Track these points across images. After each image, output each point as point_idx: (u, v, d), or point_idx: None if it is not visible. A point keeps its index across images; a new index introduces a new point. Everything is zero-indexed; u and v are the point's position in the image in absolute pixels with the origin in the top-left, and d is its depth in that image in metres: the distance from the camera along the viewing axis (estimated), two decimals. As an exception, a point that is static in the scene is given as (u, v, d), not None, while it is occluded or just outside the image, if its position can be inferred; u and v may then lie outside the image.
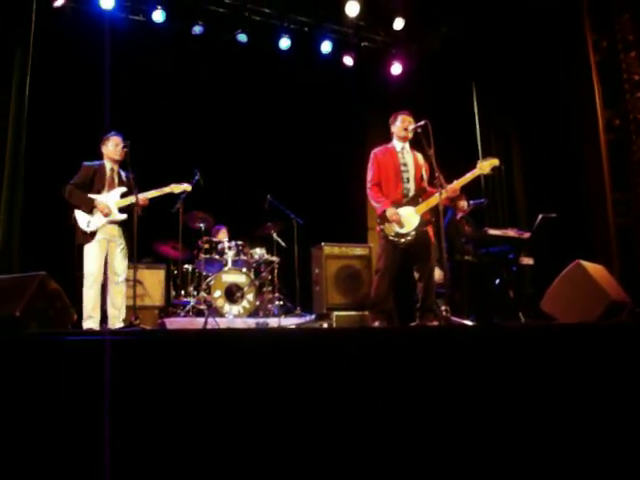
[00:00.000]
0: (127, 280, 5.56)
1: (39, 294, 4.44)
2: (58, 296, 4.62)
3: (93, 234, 5.38)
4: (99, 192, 5.50)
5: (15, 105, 6.55)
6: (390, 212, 5.17)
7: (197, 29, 8.41)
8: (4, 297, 4.48)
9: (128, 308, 5.46)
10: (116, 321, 5.37)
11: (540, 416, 3.03)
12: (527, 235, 6.70)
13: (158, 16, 8.12)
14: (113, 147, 5.62)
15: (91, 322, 5.24)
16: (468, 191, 6.80)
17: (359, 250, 7.35)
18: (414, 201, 5.26)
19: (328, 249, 7.16)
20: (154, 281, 7.22)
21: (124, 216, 5.53)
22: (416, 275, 5.36)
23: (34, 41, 6.79)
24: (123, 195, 5.57)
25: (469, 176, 5.27)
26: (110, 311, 5.42)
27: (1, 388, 2.49)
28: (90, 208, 5.41)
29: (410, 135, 5.36)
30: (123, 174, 5.72)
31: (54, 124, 7.54)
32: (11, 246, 6.39)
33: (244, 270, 7.44)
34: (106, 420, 2.45)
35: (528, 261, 6.94)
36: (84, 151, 5.72)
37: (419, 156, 5.46)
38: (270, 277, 7.80)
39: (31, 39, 6.73)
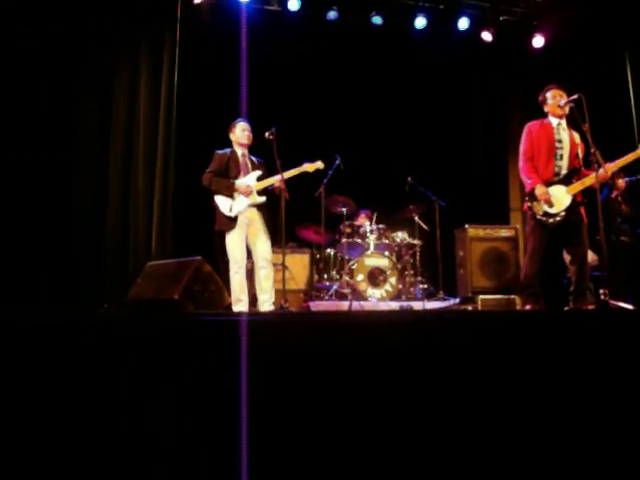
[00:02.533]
0: (274, 265, 5.67)
1: (195, 278, 4.69)
2: (213, 280, 4.86)
3: (235, 219, 5.49)
4: (236, 177, 5.61)
5: (165, 97, 6.93)
6: (540, 190, 4.94)
7: (332, 14, 8.44)
8: (165, 281, 4.77)
9: (277, 293, 5.58)
10: (267, 305, 5.45)
11: None
12: (691, 213, 6.19)
13: (293, 4, 8.22)
14: (240, 132, 5.74)
15: (241, 305, 5.37)
16: (623, 167, 6.36)
17: (505, 231, 7.12)
18: (566, 180, 5.00)
19: (472, 231, 7.00)
20: (299, 265, 7.35)
21: (263, 199, 5.63)
22: (568, 258, 5.11)
23: (180, 35, 7.12)
24: (259, 178, 5.67)
25: (629, 157, 4.94)
26: (260, 297, 5.50)
27: (162, 363, 2.64)
28: (231, 192, 5.53)
29: (566, 110, 5.07)
30: (255, 159, 5.82)
31: (200, 114, 7.86)
32: (165, 233, 6.77)
33: (386, 254, 7.41)
34: (244, 397, 2.54)
35: (690, 241, 6.41)
36: (226, 139, 5.91)
37: (576, 135, 5.17)
38: (412, 260, 7.73)
39: (177, 34, 7.06)
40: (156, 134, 6.90)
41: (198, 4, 7.89)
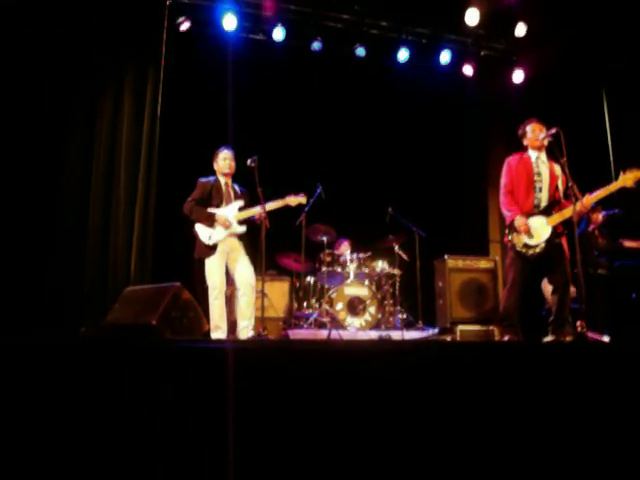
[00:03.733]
0: (255, 291, 5.65)
1: (174, 304, 4.65)
2: (191, 306, 4.81)
3: (214, 247, 5.49)
4: (218, 206, 5.62)
5: (148, 125, 6.93)
6: (519, 221, 5.00)
7: (316, 45, 8.54)
8: (142, 306, 4.72)
9: (255, 320, 5.55)
10: (246, 331, 5.42)
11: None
12: (667, 246, 6.28)
13: (278, 34, 8.30)
14: (222, 161, 5.75)
15: (220, 332, 5.35)
16: (600, 201, 6.46)
17: (484, 263, 7.18)
18: (546, 212, 5.06)
19: (452, 262, 7.05)
20: (278, 293, 7.34)
21: (243, 228, 5.63)
22: (549, 288, 5.16)
23: (165, 62, 7.17)
24: (241, 208, 5.68)
25: (610, 187, 4.98)
26: (240, 323, 5.47)
27: (138, 389, 2.61)
28: (211, 222, 5.52)
29: (545, 143, 5.16)
30: (237, 188, 5.83)
31: (182, 142, 7.88)
32: (145, 259, 6.72)
33: (366, 283, 7.44)
34: (230, 423, 2.51)
35: (668, 275, 6.49)
36: (211, 167, 5.91)
37: (556, 167, 5.24)
38: (392, 290, 7.76)
39: (162, 62, 7.11)
40: (138, 160, 6.88)
41: (184, 32, 7.97)
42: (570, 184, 4.71)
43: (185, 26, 7.98)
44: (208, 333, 5.28)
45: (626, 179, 4.94)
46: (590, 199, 4.90)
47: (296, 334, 6.76)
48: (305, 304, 7.65)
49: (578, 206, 4.70)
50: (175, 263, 6.85)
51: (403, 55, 8.79)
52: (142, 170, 6.83)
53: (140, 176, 6.82)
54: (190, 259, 5.73)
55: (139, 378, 2.65)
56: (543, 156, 5.27)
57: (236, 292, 5.60)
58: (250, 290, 5.51)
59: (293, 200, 5.90)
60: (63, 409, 2.53)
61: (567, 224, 5.04)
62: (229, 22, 7.93)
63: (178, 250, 6.62)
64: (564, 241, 5.09)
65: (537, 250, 5.01)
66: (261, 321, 5.33)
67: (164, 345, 3.30)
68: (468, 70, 9.12)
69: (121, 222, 6.74)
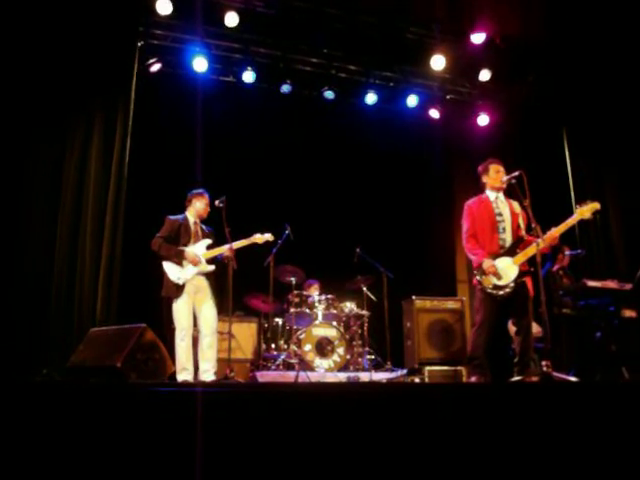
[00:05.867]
0: (220, 333, 5.61)
1: (139, 346, 4.59)
2: (157, 348, 4.75)
3: (182, 287, 5.45)
4: (186, 245, 5.61)
5: (116, 166, 6.89)
6: (487, 264, 5.04)
7: (285, 88, 8.68)
8: (106, 348, 4.65)
9: (222, 362, 5.50)
10: (207, 375, 5.37)
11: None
12: (629, 287, 6.38)
13: (248, 77, 8.39)
14: (203, 205, 5.78)
15: (186, 374, 5.29)
16: (562, 242, 6.58)
17: (451, 303, 7.21)
18: (511, 251, 5.11)
19: (419, 303, 7.06)
20: (246, 334, 7.28)
21: (212, 267, 5.63)
22: (513, 329, 5.20)
23: (134, 103, 7.17)
24: (209, 247, 5.68)
25: (569, 222, 5.08)
26: (202, 366, 5.42)
27: (102, 433, 2.55)
28: (180, 259, 5.50)
29: (504, 185, 5.25)
30: (205, 228, 5.85)
31: (151, 183, 7.87)
32: (111, 300, 6.62)
33: (334, 324, 7.41)
34: (198, 469, 2.46)
35: (631, 314, 6.59)
36: (180, 208, 5.90)
37: (515, 204, 5.32)
38: (360, 331, 7.75)
39: (132, 103, 7.11)
40: (106, 200, 6.81)
41: (155, 73, 8.02)
42: (534, 225, 4.77)
43: (156, 67, 8.06)
44: (174, 375, 5.20)
45: (583, 212, 5.06)
46: (552, 235, 4.96)
47: (264, 376, 6.69)
48: (273, 345, 7.59)
49: (541, 244, 4.76)
50: (141, 303, 6.77)
51: (371, 98, 8.97)
52: (109, 210, 6.76)
53: (107, 216, 6.74)
54: (156, 299, 5.67)
55: (102, 422, 2.59)
56: (501, 196, 5.35)
57: (199, 334, 5.54)
58: (211, 332, 5.49)
59: (260, 238, 5.95)
60: (22, 455, 2.46)
61: (532, 263, 5.11)
62: (199, 64, 8.02)
63: (144, 290, 6.55)
64: (528, 280, 5.14)
65: (507, 290, 5.04)
66: (228, 363, 5.27)
67: (129, 388, 3.24)
68: (434, 113, 9.33)
69: (87, 262, 6.64)
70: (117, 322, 6.25)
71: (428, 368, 6.69)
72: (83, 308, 6.55)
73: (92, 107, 6.98)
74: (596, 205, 5.08)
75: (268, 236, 6.02)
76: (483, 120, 9.34)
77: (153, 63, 8.02)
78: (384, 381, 6.85)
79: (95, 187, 6.78)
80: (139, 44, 7.58)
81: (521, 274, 5.04)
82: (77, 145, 6.83)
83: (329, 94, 8.87)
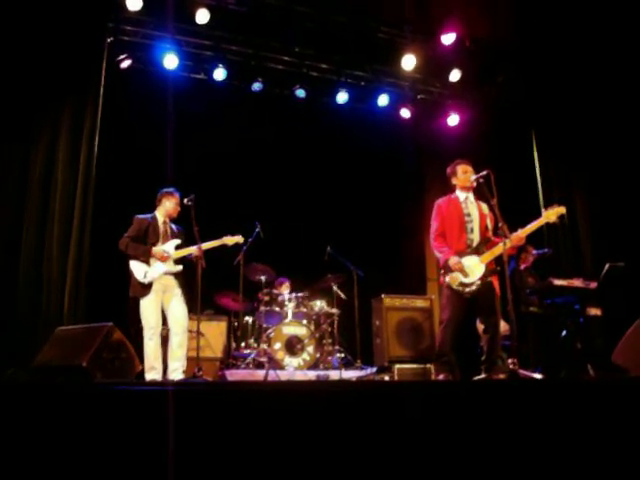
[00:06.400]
0: (189, 332, 5.57)
1: (105, 345, 4.54)
2: (123, 347, 4.71)
3: (149, 285, 5.41)
4: (154, 245, 5.56)
5: (84, 163, 6.80)
6: (453, 261, 5.09)
7: (256, 86, 8.66)
8: (72, 347, 4.59)
9: (191, 360, 5.47)
10: (176, 374, 5.34)
11: (612, 472, 2.89)
12: (594, 285, 6.48)
13: (219, 74, 8.37)
14: (173, 205, 5.73)
15: (154, 373, 5.25)
16: (530, 241, 6.66)
17: (420, 302, 7.26)
18: (478, 250, 5.17)
19: (389, 301, 7.09)
20: (215, 333, 7.24)
21: (180, 267, 5.59)
22: (481, 327, 5.24)
23: (103, 101, 7.08)
24: (177, 247, 5.64)
25: (535, 224, 5.16)
26: (170, 364, 5.38)
27: (67, 434, 2.52)
28: (148, 257, 5.46)
29: (474, 185, 5.30)
30: (174, 227, 5.80)
31: (120, 181, 7.80)
32: (79, 298, 6.54)
33: (304, 322, 7.42)
34: (170, 470, 2.45)
35: (596, 312, 6.69)
36: (150, 207, 5.85)
37: (483, 206, 5.38)
38: (330, 329, 7.76)
39: (100, 99, 7.03)
40: (74, 197, 6.72)
41: (124, 69, 7.94)
42: (500, 224, 4.81)
43: (126, 63, 7.99)
44: (141, 374, 5.16)
45: (549, 215, 5.15)
46: (518, 236, 5.02)
47: (233, 374, 6.67)
48: (243, 344, 7.58)
49: (507, 244, 4.82)
50: (110, 303, 6.71)
51: (342, 97, 8.99)
52: (77, 208, 6.67)
53: (75, 214, 6.65)
54: (125, 298, 5.62)
55: (68, 422, 2.56)
56: (471, 196, 5.40)
57: (169, 332, 5.50)
58: (182, 331, 5.45)
59: (230, 240, 5.91)
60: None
61: (498, 262, 5.17)
62: (170, 61, 7.97)
63: (113, 289, 6.48)
64: (495, 280, 5.20)
65: (473, 288, 5.09)
66: (197, 361, 5.24)
67: (95, 388, 3.21)
68: (405, 113, 9.39)
69: (54, 261, 6.55)
70: (85, 321, 6.18)
71: (397, 366, 6.73)
72: (50, 307, 6.47)
73: (59, 104, 6.89)
74: (562, 210, 5.19)
75: (238, 238, 5.98)
76: (453, 120, 9.43)
77: (123, 59, 7.95)
78: (354, 379, 6.86)
79: (62, 185, 6.69)
80: (109, 40, 7.51)
81: (488, 272, 5.10)
82: (44, 142, 6.72)
83: (300, 93, 8.88)
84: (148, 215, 5.72)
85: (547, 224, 5.43)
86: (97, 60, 7.14)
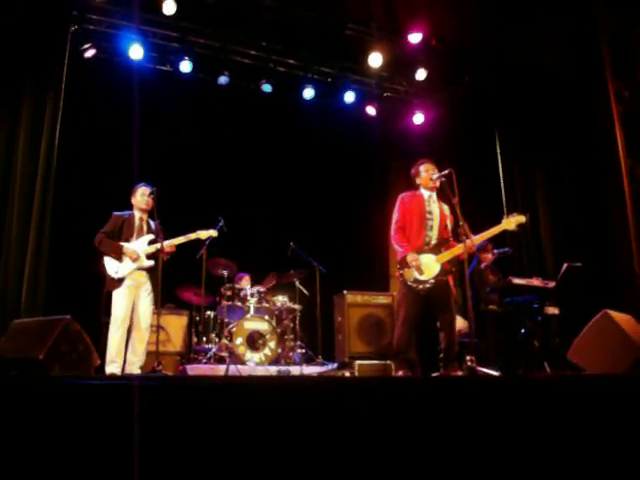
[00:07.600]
0: (151, 326, 5.56)
1: (63, 338, 4.46)
2: (82, 340, 4.63)
3: (121, 280, 5.45)
4: (127, 240, 5.59)
5: (45, 153, 6.68)
6: (411, 257, 5.14)
7: (223, 79, 8.61)
8: (29, 339, 4.51)
9: (150, 354, 5.45)
10: (134, 367, 5.36)
11: (567, 467, 2.95)
12: (552, 284, 6.59)
13: (185, 67, 8.30)
14: (140, 197, 5.73)
15: (114, 367, 5.24)
16: (492, 239, 6.74)
17: (382, 298, 7.29)
18: (436, 249, 5.23)
19: (351, 297, 7.12)
20: (176, 327, 7.19)
21: (151, 262, 5.59)
22: (437, 325, 5.30)
23: (65, 90, 6.96)
24: (150, 242, 5.65)
25: (491, 231, 5.26)
26: (129, 357, 5.41)
27: (23, 429, 2.48)
28: (119, 255, 5.49)
29: (437, 184, 5.35)
30: (152, 223, 5.80)
31: (83, 173, 7.69)
32: (37, 291, 6.43)
33: (266, 317, 7.40)
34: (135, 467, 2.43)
35: (553, 311, 6.81)
36: (113, 200, 5.81)
37: (445, 207, 5.44)
38: (292, 325, 7.77)
39: (62, 88, 6.91)
40: (33, 188, 6.59)
41: (89, 58, 7.82)
42: (461, 223, 4.86)
43: (90, 53, 7.87)
44: (100, 368, 5.10)
45: (509, 223, 5.25)
46: (476, 240, 5.09)
47: (194, 369, 6.65)
48: (204, 338, 7.54)
49: (468, 243, 4.88)
50: (70, 295, 6.61)
51: (309, 93, 8.99)
52: (37, 198, 6.54)
53: (34, 206, 6.53)
54: (84, 291, 5.57)
55: (22, 417, 2.52)
56: (434, 196, 5.45)
57: (132, 327, 5.49)
58: (145, 327, 5.50)
59: (204, 234, 5.98)
60: None
61: (454, 263, 5.24)
62: (135, 52, 7.88)
63: (73, 282, 6.39)
64: (450, 279, 5.27)
65: (427, 285, 5.15)
66: (156, 356, 5.20)
67: (52, 381, 3.16)
68: (371, 110, 9.44)
69: (12, 253, 6.43)
70: (43, 314, 6.09)
71: (358, 362, 6.75)
72: (7, 300, 6.35)
73: (20, 91, 6.75)
74: (521, 218, 5.29)
75: (212, 232, 6.05)
76: (419, 119, 9.50)
77: (88, 49, 7.82)
78: (315, 375, 6.88)
79: (22, 175, 6.56)
80: (73, 28, 7.38)
81: (443, 272, 5.16)
82: (2, 131, 6.58)
83: (267, 87, 8.86)
84: (126, 212, 5.75)
85: (506, 230, 5.48)
86: (59, 49, 7.01)
